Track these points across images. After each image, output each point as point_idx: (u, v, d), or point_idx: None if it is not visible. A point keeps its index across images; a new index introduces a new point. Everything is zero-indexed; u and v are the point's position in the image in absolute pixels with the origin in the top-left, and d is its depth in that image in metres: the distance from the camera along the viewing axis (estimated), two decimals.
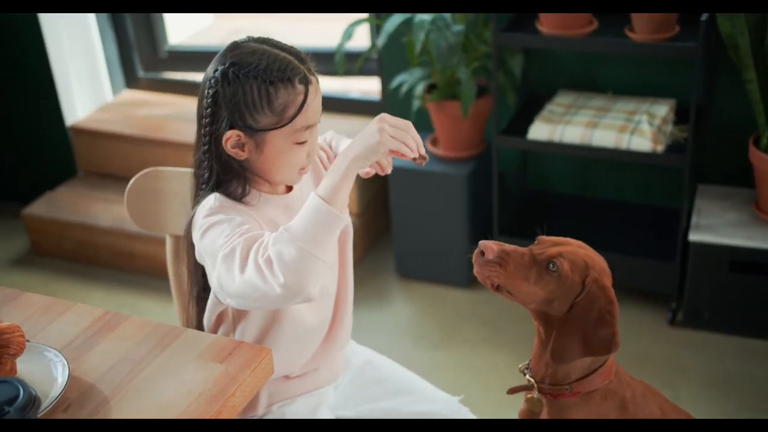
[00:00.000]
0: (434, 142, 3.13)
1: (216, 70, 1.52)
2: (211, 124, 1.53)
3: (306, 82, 1.53)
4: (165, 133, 3.50)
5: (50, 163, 3.81)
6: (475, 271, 1.57)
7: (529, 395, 1.65)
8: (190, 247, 1.61)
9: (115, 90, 3.85)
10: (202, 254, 1.55)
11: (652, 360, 2.80)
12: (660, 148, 2.75)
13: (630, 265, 2.92)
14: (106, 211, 3.42)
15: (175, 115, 3.61)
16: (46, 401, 1.32)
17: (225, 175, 1.57)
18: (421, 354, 2.90)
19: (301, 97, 1.52)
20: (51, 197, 3.58)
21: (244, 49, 1.53)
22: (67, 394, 1.35)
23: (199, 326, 1.69)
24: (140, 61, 3.86)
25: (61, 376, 1.36)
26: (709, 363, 2.77)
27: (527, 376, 1.64)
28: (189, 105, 3.62)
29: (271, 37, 1.58)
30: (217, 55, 1.55)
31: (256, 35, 1.58)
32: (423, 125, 3.27)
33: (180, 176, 1.91)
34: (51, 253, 3.53)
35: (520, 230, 3.11)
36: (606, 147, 2.78)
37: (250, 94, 1.50)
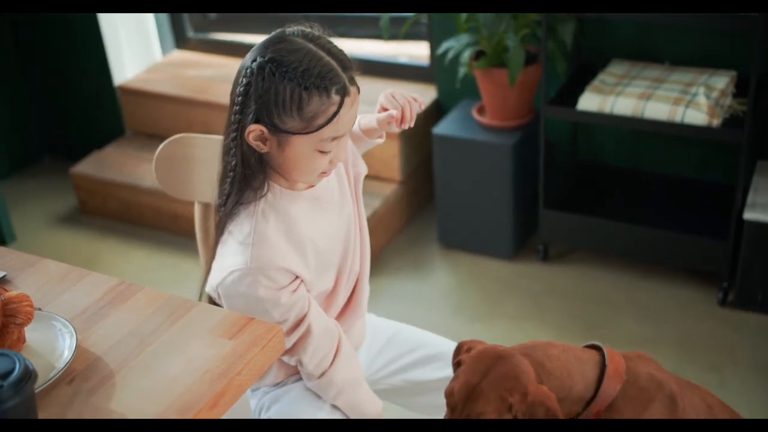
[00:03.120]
0: (480, 111, 3.05)
1: (254, 60, 1.45)
2: (240, 112, 1.48)
3: (343, 93, 1.45)
4: (212, 95, 3.47)
5: (99, 122, 3.83)
6: None
7: None
8: (218, 238, 1.58)
9: (164, 50, 3.84)
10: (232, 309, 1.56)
11: (700, 341, 2.70)
12: (716, 122, 2.63)
13: (681, 242, 2.81)
14: (151, 172, 3.41)
15: (223, 77, 3.59)
16: (51, 373, 1.30)
17: (246, 169, 1.52)
18: (460, 325, 2.84)
19: (333, 109, 1.45)
20: (98, 156, 3.59)
21: (287, 44, 1.45)
22: (73, 366, 1.33)
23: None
24: (190, 21, 3.84)
25: (68, 348, 1.34)
26: (760, 346, 2.66)
27: None
28: (236, 67, 3.57)
29: (323, 35, 1.49)
30: (260, 42, 1.48)
31: (308, 28, 1.49)
32: (469, 93, 3.19)
33: (210, 143, 1.87)
34: (97, 212, 3.56)
35: (568, 203, 3.02)
36: (659, 120, 2.67)
37: (282, 94, 1.43)
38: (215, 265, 1.56)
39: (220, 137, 1.88)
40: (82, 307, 1.46)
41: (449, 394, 1.50)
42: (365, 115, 1.73)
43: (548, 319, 2.84)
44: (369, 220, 3.07)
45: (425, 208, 3.44)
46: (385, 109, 1.66)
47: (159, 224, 3.43)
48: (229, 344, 1.35)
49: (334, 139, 1.48)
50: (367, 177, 3.28)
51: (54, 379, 1.29)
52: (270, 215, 1.54)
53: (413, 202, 3.37)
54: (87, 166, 3.53)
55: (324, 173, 1.55)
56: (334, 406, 1.66)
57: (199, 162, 1.90)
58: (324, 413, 1.65)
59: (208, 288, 1.56)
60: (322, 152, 1.49)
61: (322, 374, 1.60)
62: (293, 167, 1.52)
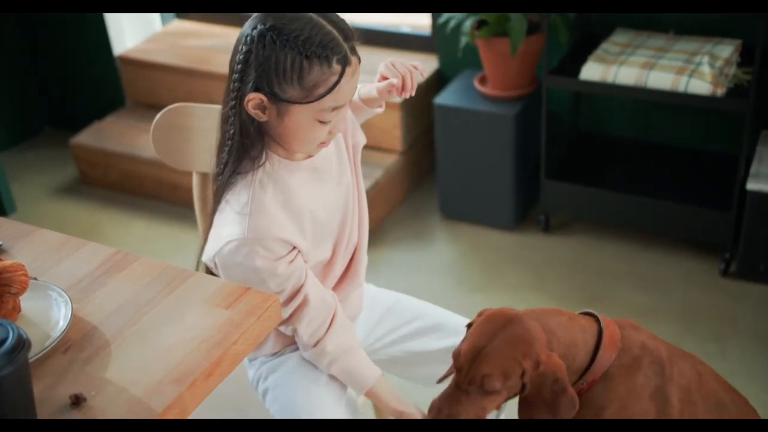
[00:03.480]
0: (482, 81, 3.02)
1: (254, 28, 1.43)
2: (239, 81, 1.46)
3: (344, 63, 1.44)
4: (212, 65, 3.45)
5: (99, 92, 3.81)
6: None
7: None
8: (215, 207, 1.57)
9: (164, 20, 3.81)
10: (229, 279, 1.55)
11: (701, 311, 2.69)
12: (720, 92, 2.60)
13: (683, 213, 2.80)
14: (150, 142, 3.40)
15: (223, 47, 3.56)
16: (46, 342, 1.30)
17: (244, 138, 1.51)
18: (461, 296, 2.84)
19: (334, 78, 1.43)
20: (99, 127, 3.57)
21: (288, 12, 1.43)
22: (68, 336, 1.32)
23: None
24: None
25: (63, 317, 1.33)
26: (762, 317, 2.65)
27: None
28: (237, 37, 3.54)
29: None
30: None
31: None
32: (471, 63, 3.16)
33: (207, 112, 1.86)
34: (97, 182, 3.55)
35: (570, 173, 3.00)
36: (662, 89, 2.65)
37: (282, 62, 1.41)
38: (212, 234, 1.55)
39: (218, 106, 1.86)
40: (78, 277, 1.45)
41: (456, 356, 1.49)
42: (365, 85, 1.71)
43: (549, 290, 2.83)
44: (370, 191, 3.06)
45: (426, 178, 3.43)
46: (386, 78, 1.64)
47: (159, 195, 3.42)
48: (225, 314, 1.34)
49: (334, 109, 1.47)
50: (368, 147, 3.27)
51: (49, 348, 1.29)
52: (268, 185, 1.53)
53: (414, 172, 3.36)
54: (87, 137, 3.52)
55: (323, 143, 1.54)
56: (332, 377, 1.66)
57: (197, 131, 1.88)
58: (321, 384, 1.64)
59: (205, 258, 1.56)
60: (321, 122, 1.48)
61: (316, 343, 1.60)
62: (292, 137, 1.50)
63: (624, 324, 1.59)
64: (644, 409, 1.53)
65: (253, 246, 1.48)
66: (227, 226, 1.51)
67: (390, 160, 3.21)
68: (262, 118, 1.48)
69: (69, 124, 3.87)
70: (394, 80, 1.61)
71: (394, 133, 3.19)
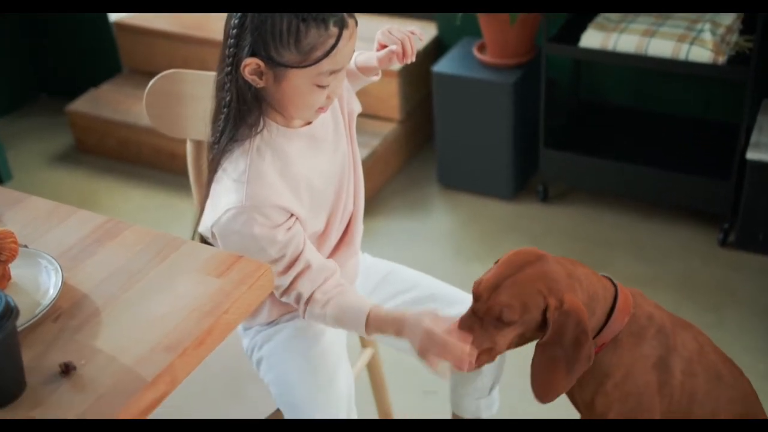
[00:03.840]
0: (481, 48, 2.99)
1: None
2: (235, 46, 1.44)
3: (341, 26, 1.41)
4: (209, 31, 3.41)
5: (95, 59, 3.77)
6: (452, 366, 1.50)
7: None
8: (211, 177, 1.54)
9: None
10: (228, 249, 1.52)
11: (700, 281, 2.68)
12: (722, 60, 2.57)
13: (683, 182, 2.78)
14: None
15: (220, 14, 3.51)
16: (36, 310, 1.29)
17: (241, 104, 1.48)
18: (459, 266, 2.83)
19: (332, 41, 1.41)
20: (95, 94, 3.55)
21: None
22: (58, 304, 1.31)
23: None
24: None
25: (53, 285, 1.32)
26: (760, 288, 2.64)
27: None
28: None
29: None
30: None
31: None
32: (470, 30, 3.13)
33: (201, 79, 1.84)
34: (94, 150, 3.52)
35: (569, 142, 2.98)
36: (663, 57, 2.62)
37: (279, 25, 1.39)
38: (209, 204, 1.53)
39: (212, 73, 1.84)
40: (69, 245, 1.44)
41: (476, 284, 1.46)
42: (362, 53, 1.70)
43: None
44: (367, 160, 3.04)
45: (425, 147, 3.40)
46: (384, 46, 1.62)
47: (157, 163, 3.40)
48: (216, 282, 1.33)
49: (332, 72, 1.45)
50: (365, 116, 3.25)
51: (39, 316, 1.28)
52: (265, 152, 1.51)
53: (413, 141, 3.33)
54: (83, 104, 3.49)
55: (321, 109, 1.52)
56: (328, 346, 1.64)
57: (191, 98, 1.86)
58: (316, 354, 1.63)
59: (203, 228, 1.54)
60: (319, 86, 1.46)
61: (312, 293, 1.56)
62: (290, 102, 1.48)
63: (634, 292, 1.58)
64: (646, 380, 1.53)
65: (251, 213, 1.46)
66: (225, 195, 1.49)
67: (388, 128, 3.18)
68: (259, 84, 1.46)
69: (65, 92, 3.83)
70: (394, 47, 1.60)
71: (391, 102, 3.17)
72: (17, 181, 3.41)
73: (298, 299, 1.57)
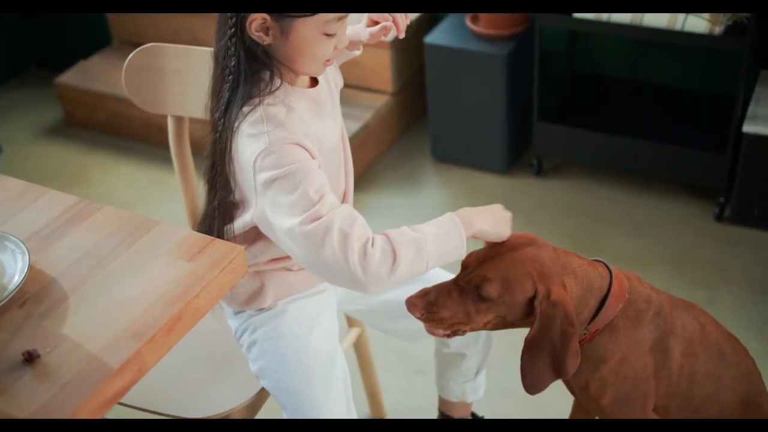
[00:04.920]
0: (474, 19, 2.93)
1: None
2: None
3: None
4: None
5: (85, 30, 3.72)
6: (425, 329, 1.48)
7: None
8: (222, 156, 1.46)
9: None
10: (263, 207, 1.41)
11: (694, 256, 2.65)
12: (718, 30, 2.51)
13: (678, 156, 2.74)
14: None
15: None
16: (3, 294, 1.26)
17: (251, 64, 1.43)
18: None
19: None
20: (84, 66, 3.50)
21: None
22: (25, 288, 1.28)
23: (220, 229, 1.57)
24: None
25: (19, 270, 1.29)
26: (755, 263, 2.61)
27: None
28: None
29: None
30: None
31: None
32: None
33: (181, 53, 1.80)
34: (84, 124, 3.48)
35: (563, 115, 2.93)
36: (658, 27, 2.56)
37: None
38: (238, 168, 1.45)
39: (193, 47, 1.80)
40: (39, 226, 1.41)
41: (468, 256, 1.44)
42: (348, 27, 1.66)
43: (540, 235, 2.76)
44: (360, 133, 3.00)
45: (418, 121, 3.35)
46: (375, 22, 1.60)
47: (148, 137, 3.36)
48: (187, 266, 1.30)
49: (339, 18, 1.41)
50: (358, 88, 3.21)
51: (5, 301, 1.25)
52: (279, 106, 1.45)
53: (406, 114, 3.29)
54: (72, 77, 3.44)
55: (329, 61, 1.47)
56: (322, 334, 1.60)
57: (171, 73, 1.83)
58: (313, 340, 1.59)
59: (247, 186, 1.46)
60: (327, 35, 1.41)
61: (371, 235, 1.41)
62: (299, 55, 1.43)
63: (630, 275, 1.55)
64: (643, 364, 1.50)
65: (281, 150, 1.39)
66: (247, 149, 1.42)
67: (380, 101, 3.13)
68: (266, 40, 1.41)
69: (55, 64, 3.78)
70: (387, 23, 1.58)
71: (384, 74, 3.11)
72: (6, 155, 3.37)
73: (344, 241, 1.35)
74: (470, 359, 1.79)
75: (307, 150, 1.42)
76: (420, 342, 1.79)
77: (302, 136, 1.43)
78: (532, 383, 1.44)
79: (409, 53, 3.16)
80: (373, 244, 1.37)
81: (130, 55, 1.81)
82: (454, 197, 2.99)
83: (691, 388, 1.56)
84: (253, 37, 1.40)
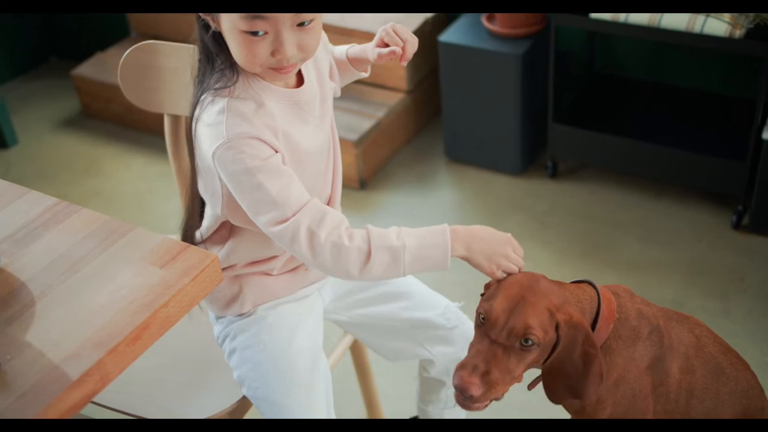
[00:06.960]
0: (489, 18, 2.87)
1: None
2: None
3: None
4: None
5: (104, 22, 3.71)
6: (467, 410, 1.38)
7: None
8: (192, 155, 1.43)
9: None
10: (233, 192, 1.39)
11: (709, 265, 2.58)
12: (739, 33, 2.44)
13: (696, 161, 2.66)
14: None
15: None
16: None
17: (207, 50, 1.39)
18: None
19: None
20: (101, 58, 3.49)
21: None
22: None
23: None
24: None
25: None
26: None
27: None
28: None
29: None
30: None
31: None
32: None
33: (177, 51, 1.77)
34: (99, 115, 3.48)
35: (579, 117, 2.87)
36: (676, 30, 2.49)
37: None
38: (198, 159, 1.42)
39: (187, 45, 1.77)
40: (14, 228, 1.38)
41: (488, 310, 1.36)
42: (354, 45, 1.62)
43: (551, 239, 2.72)
44: (373, 131, 2.96)
45: (432, 120, 3.31)
46: (385, 44, 1.55)
47: (160, 130, 3.34)
48: (159, 273, 1.27)
49: (255, 18, 1.29)
50: (372, 85, 3.17)
51: None
52: (248, 100, 1.39)
53: (420, 113, 3.24)
54: (88, 69, 3.44)
55: (276, 70, 1.36)
56: (303, 340, 1.57)
57: (167, 71, 1.80)
58: (293, 348, 1.54)
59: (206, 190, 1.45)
60: (248, 33, 1.31)
61: (344, 230, 1.40)
62: (233, 51, 1.36)
63: (618, 291, 1.50)
64: (641, 383, 1.45)
65: (239, 146, 1.33)
66: (207, 137, 1.37)
67: (395, 99, 3.09)
68: (213, 24, 1.36)
69: (76, 55, 3.79)
70: (397, 48, 1.53)
71: (399, 71, 3.07)
72: (22, 144, 3.38)
73: (312, 240, 1.35)
74: (450, 388, 1.75)
75: (267, 143, 1.36)
76: (400, 363, 1.75)
77: (263, 129, 1.36)
78: (551, 398, 1.41)
79: (426, 51, 3.11)
80: (350, 239, 1.36)
81: (126, 53, 1.78)
82: (465, 197, 2.94)
83: (690, 404, 1.51)
84: (204, 18, 1.36)
